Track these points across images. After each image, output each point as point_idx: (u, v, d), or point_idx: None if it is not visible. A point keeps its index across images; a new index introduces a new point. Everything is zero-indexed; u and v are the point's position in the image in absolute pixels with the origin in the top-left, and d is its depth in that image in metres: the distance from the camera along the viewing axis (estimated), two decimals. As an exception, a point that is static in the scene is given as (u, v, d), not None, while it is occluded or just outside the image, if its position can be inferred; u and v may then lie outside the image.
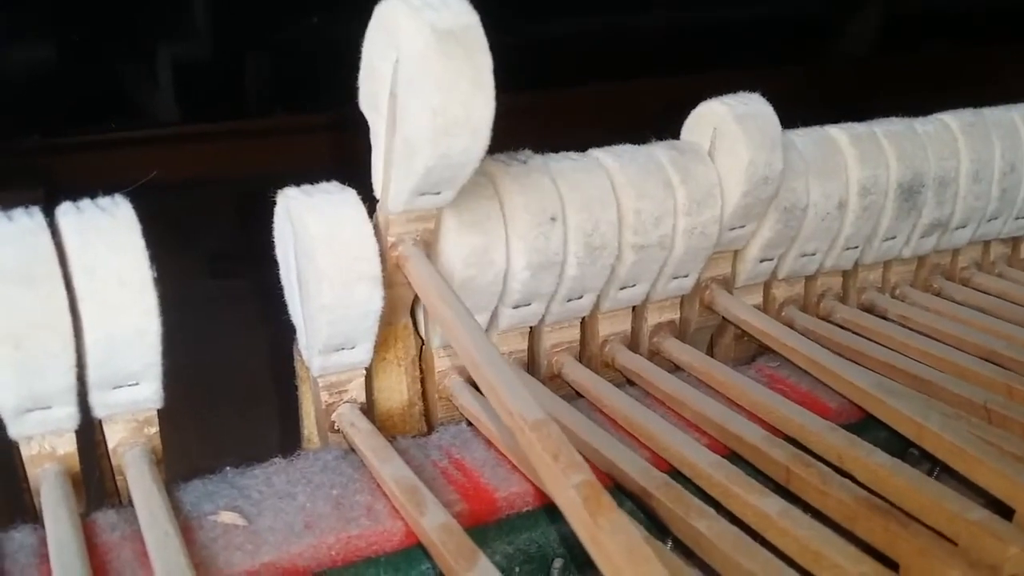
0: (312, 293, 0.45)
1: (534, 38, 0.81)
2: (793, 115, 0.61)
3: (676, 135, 0.59)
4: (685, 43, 0.89)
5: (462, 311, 0.44)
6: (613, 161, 0.53)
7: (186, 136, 0.74)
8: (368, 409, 0.50)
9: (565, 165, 0.52)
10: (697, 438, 0.49)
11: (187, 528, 0.42)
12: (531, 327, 0.56)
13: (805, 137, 0.61)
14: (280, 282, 0.49)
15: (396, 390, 0.53)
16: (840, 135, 0.61)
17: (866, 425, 0.52)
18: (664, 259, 0.55)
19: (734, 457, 0.48)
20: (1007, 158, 0.68)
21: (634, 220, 0.53)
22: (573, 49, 0.84)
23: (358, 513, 0.43)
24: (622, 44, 0.86)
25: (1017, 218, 0.72)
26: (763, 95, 0.57)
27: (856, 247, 0.64)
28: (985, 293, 0.69)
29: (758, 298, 0.64)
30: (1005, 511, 0.42)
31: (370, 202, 0.47)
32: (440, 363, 0.53)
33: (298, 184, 0.47)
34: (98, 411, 0.44)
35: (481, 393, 0.53)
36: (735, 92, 0.58)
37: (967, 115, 0.67)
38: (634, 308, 0.59)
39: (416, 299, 0.50)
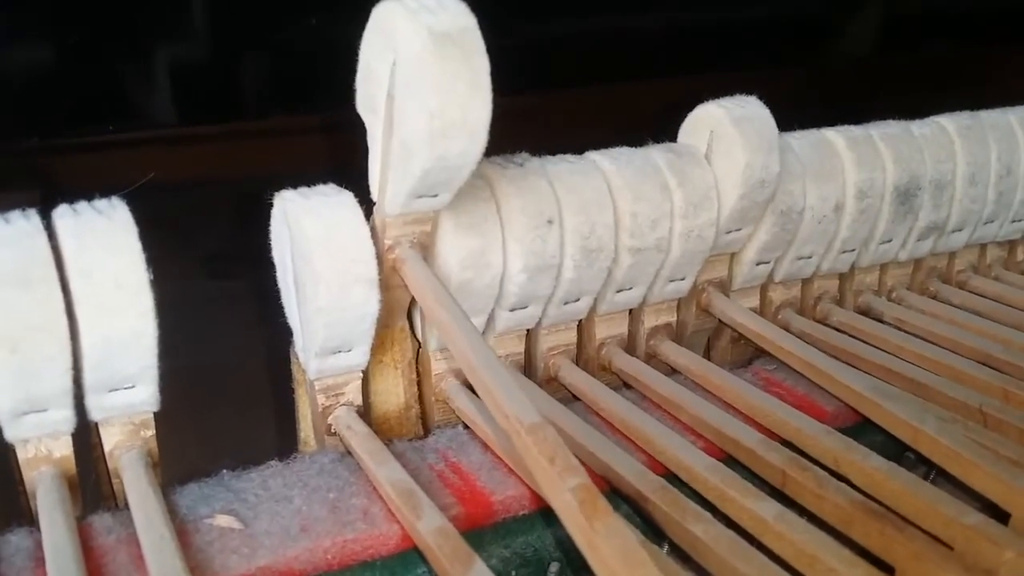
0: (308, 296, 0.45)
1: (531, 39, 0.81)
2: (793, 116, 0.61)
3: (675, 137, 0.59)
4: (684, 44, 0.89)
5: (459, 314, 0.44)
6: (610, 164, 0.53)
7: (184, 137, 0.73)
8: (365, 412, 0.50)
9: (562, 168, 0.52)
10: (693, 441, 0.49)
11: (183, 531, 0.42)
12: (528, 330, 0.56)
13: (802, 140, 0.61)
14: (278, 284, 0.50)
15: (393, 393, 0.53)
16: (837, 138, 0.62)
17: (862, 429, 0.52)
18: (661, 262, 0.55)
19: (730, 461, 0.48)
20: (1003, 161, 0.68)
21: (631, 223, 0.53)
22: (571, 50, 0.84)
23: (354, 516, 0.43)
24: (620, 45, 0.86)
25: (1013, 221, 0.72)
26: (762, 96, 0.57)
27: (852, 250, 0.64)
28: (981, 296, 0.69)
29: (755, 301, 0.64)
30: (1001, 515, 0.43)
31: (367, 204, 0.47)
32: (437, 366, 0.53)
33: (297, 185, 0.47)
34: (94, 414, 0.44)
35: (478, 396, 0.53)
36: (734, 94, 0.58)
37: (963, 118, 0.68)
38: (631, 311, 0.59)
39: (413, 302, 0.50)
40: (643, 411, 0.51)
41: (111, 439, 0.45)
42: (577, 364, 0.57)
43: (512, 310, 0.53)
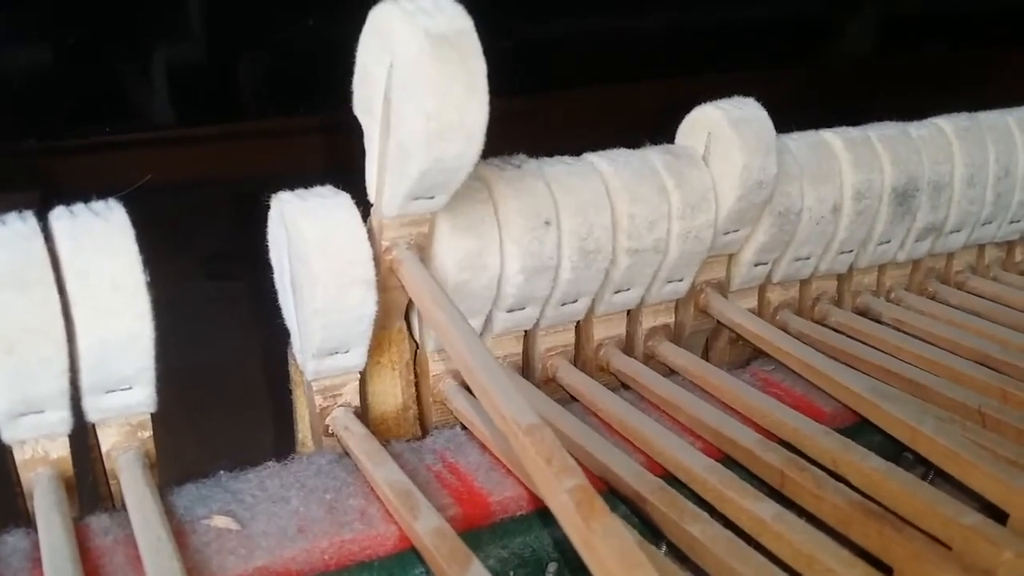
0: (306, 297, 0.45)
1: (530, 40, 0.81)
2: (792, 117, 0.61)
3: (673, 138, 0.59)
4: (682, 45, 0.89)
5: (456, 315, 0.44)
6: (607, 165, 0.53)
7: (183, 138, 0.73)
8: (362, 413, 0.50)
9: (559, 169, 0.52)
10: (691, 442, 0.49)
11: (180, 532, 0.42)
12: (525, 331, 0.55)
13: (799, 141, 0.61)
14: (276, 285, 0.49)
15: (390, 394, 0.53)
16: (834, 139, 0.62)
17: (860, 429, 0.52)
18: (658, 263, 0.55)
19: (728, 461, 0.48)
20: (1001, 162, 0.68)
21: (628, 224, 0.53)
22: (570, 51, 0.84)
23: (351, 517, 0.43)
24: (618, 46, 0.86)
25: (1012, 222, 0.72)
26: (761, 97, 0.57)
27: (851, 251, 0.64)
28: (980, 297, 0.69)
29: (753, 302, 0.64)
30: (999, 515, 0.42)
31: (365, 206, 0.47)
32: (435, 367, 0.53)
33: (295, 186, 0.47)
34: (91, 415, 0.44)
35: (475, 397, 0.53)
36: (732, 95, 0.58)
37: (961, 119, 0.68)
38: (629, 312, 0.59)
39: (411, 303, 0.50)
40: (641, 412, 0.51)
41: (108, 440, 0.45)
42: (575, 365, 0.57)
43: (510, 311, 0.53)
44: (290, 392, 0.53)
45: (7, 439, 0.42)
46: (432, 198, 0.45)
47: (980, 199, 0.68)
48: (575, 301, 0.54)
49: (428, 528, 0.40)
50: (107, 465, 0.45)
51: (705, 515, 0.42)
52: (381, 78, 0.43)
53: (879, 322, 0.64)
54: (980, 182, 0.67)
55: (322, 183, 0.47)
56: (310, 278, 0.44)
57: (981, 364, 0.57)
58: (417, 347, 0.53)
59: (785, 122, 0.60)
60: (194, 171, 0.75)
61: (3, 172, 0.66)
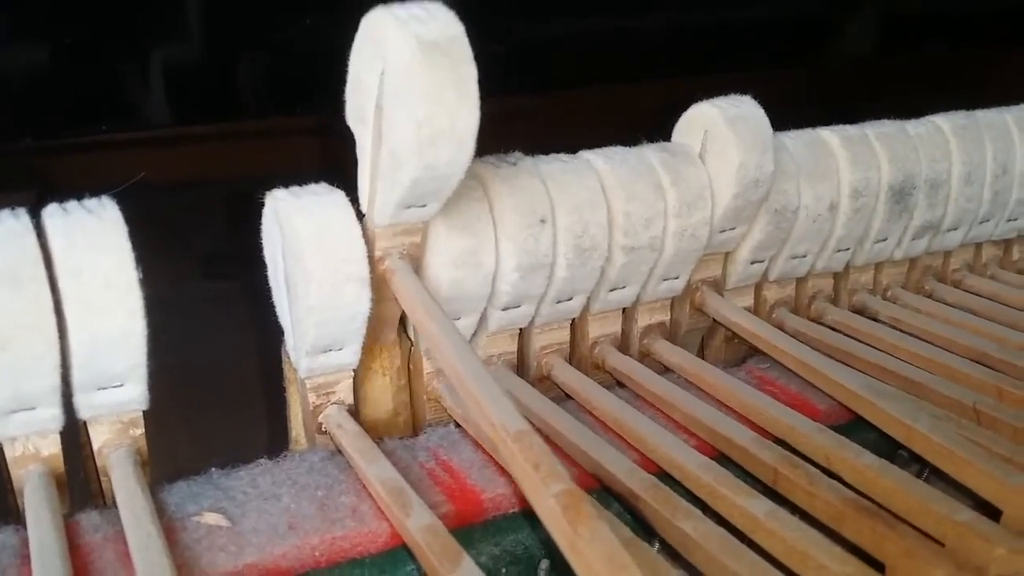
0: (300, 294, 0.45)
1: (529, 40, 0.81)
2: (791, 117, 0.61)
3: (670, 137, 0.59)
4: (681, 45, 0.89)
5: (448, 326, 0.44)
6: (603, 163, 0.53)
7: (181, 138, 0.73)
8: (356, 410, 0.50)
9: (555, 167, 0.52)
10: (686, 440, 0.49)
11: (171, 529, 0.42)
12: (521, 329, 0.55)
13: (796, 139, 0.60)
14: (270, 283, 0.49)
15: (382, 401, 0.52)
16: (831, 137, 0.61)
17: (855, 427, 0.52)
18: (654, 261, 0.55)
19: (723, 459, 0.48)
20: (999, 160, 0.68)
21: (624, 222, 0.53)
22: (569, 51, 0.84)
23: (343, 514, 0.43)
24: (617, 46, 0.86)
25: (1009, 220, 0.72)
26: (760, 97, 0.57)
27: (847, 249, 0.64)
28: (977, 295, 0.69)
29: (749, 300, 0.64)
30: (993, 512, 0.42)
31: (360, 205, 0.47)
32: (428, 365, 0.53)
33: (293, 186, 0.47)
34: (83, 412, 0.44)
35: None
36: (732, 94, 0.58)
37: (959, 117, 0.67)
38: (624, 310, 0.59)
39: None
40: (636, 410, 0.51)
41: (100, 437, 0.45)
42: (570, 363, 0.57)
43: (505, 309, 0.52)
44: (284, 390, 0.53)
45: (-2, 436, 0.42)
46: (424, 206, 0.45)
47: (977, 197, 0.68)
48: (570, 299, 0.54)
49: (420, 525, 0.40)
50: (98, 462, 0.45)
51: (698, 512, 0.42)
52: (373, 86, 0.43)
53: (876, 320, 0.64)
54: (978, 180, 0.67)
55: (318, 183, 0.47)
56: (304, 275, 0.44)
57: (977, 362, 0.57)
58: (412, 344, 0.53)
59: (784, 122, 0.60)
60: (191, 171, 0.75)
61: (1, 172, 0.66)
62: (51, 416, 0.42)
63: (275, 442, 0.54)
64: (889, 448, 0.49)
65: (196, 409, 0.69)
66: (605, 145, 0.56)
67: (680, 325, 0.62)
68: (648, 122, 0.59)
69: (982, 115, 0.69)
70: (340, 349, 0.47)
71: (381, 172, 0.44)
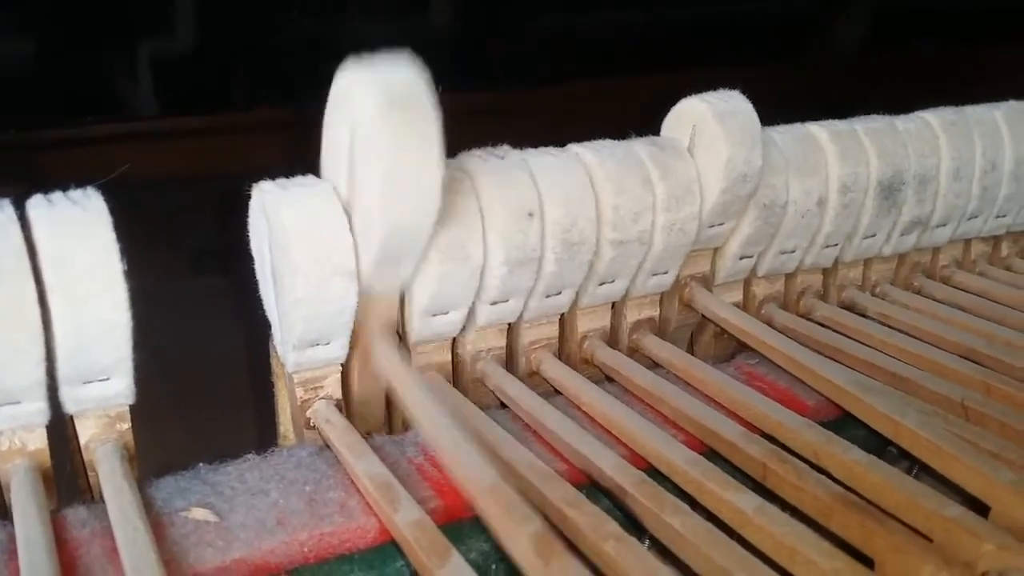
0: (286, 287, 0.44)
1: (519, 35, 0.81)
2: (780, 113, 0.61)
3: (659, 132, 0.58)
4: (671, 40, 0.89)
5: (423, 393, 0.44)
6: (592, 156, 0.53)
7: (172, 131, 0.73)
8: (344, 405, 0.50)
9: (543, 160, 0.52)
10: (674, 435, 0.49)
11: (158, 524, 0.41)
12: (509, 324, 0.55)
13: (785, 134, 0.60)
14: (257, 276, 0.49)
15: (373, 405, 0.52)
16: (820, 132, 0.61)
17: (845, 423, 0.52)
18: (643, 255, 0.55)
19: (711, 454, 0.48)
20: (988, 156, 0.68)
21: (612, 216, 0.53)
22: (559, 46, 0.84)
23: (331, 510, 0.43)
24: (607, 41, 0.86)
25: (998, 217, 0.72)
26: (751, 93, 0.57)
27: (836, 244, 0.64)
28: (966, 291, 0.69)
29: (738, 295, 0.64)
30: (981, 508, 0.42)
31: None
32: (418, 359, 0.53)
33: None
34: (69, 406, 0.43)
35: (458, 390, 0.53)
36: (721, 89, 0.57)
37: (948, 113, 0.67)
38: (613, 305, 0.59)
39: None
40: (624, 405, 0.51)
41: (86, 432, 0.44)
42: (559, 358, 0.57)
43: (493, 304, 0.52)
44: (272, 385, 0.52)
45: (-16, 430, 0.42)
46: (398, 265, 0.46)
47: (966, 193, 0.68)
48: (559, 293, 0.54)
49: (408, 520, 0.40)
50: (85, 457, 0.45)
51: (686, 507, 0.42)
52: (345, 144, 0.43)
53: (865, 316, 0.64)
54: (966, 176, 0.67)
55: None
56: (291, 268, 0.44)
57: (966, 358, 0.57)
58: (400, 339, 0.53)
59: (774, 118, 0.60)
60: (182, 166, 0.75)
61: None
62: (37, 410, 0.42)
63: (263, 437, 0.53)
64: (878, 444, 0.49)
65: (184, 404, 0.69)
66: (594, 139, 0.55)
67: (669, 321, 0.62)
68: (637, 117, 0.58)
69: (971, 111, 0.69)
70: (328, 343, 0.47)
71: (357, 231, 0.45)
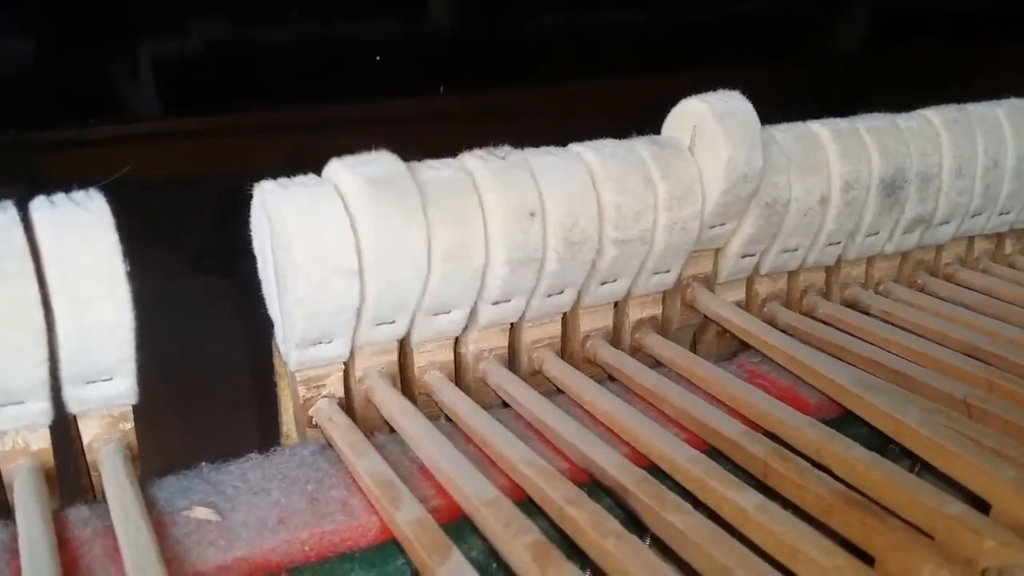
0: (288, 286, 0.44)
1: (519, 34, 0.81)
2: (782, 113, 0.61)
3: (659, 132, 0.58)
4: (672, 40, 0.89)
5: (424, 425, 0.47)
6: (593, 156, 0.53)
7: (173, 133, 0.73)
8: (347, 404, 0.50)
9: (545, 160, 0.52)
10: (676, 433, 0.49)
11: (160, 523, 0.41)
12: (512, 323, 0.55)
13: (787, 132, 0.60)
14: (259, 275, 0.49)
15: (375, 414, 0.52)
16: (822, 130, 0.61)
17: (847, 421, 0.52)
18: (645, 254, 0.55)
19: (713, 452, 0.48)
20: (990, 154, 0.68)
21: (614, 215, 0.53)
22: (558, 46, 0.84)
23: (333, 508, 0.43)
24: (607, 41, 0.86)
25: (1001, 214, 0.72)
26: (752, 93, 0.57)
27: (839, 243, 0.64)
28: (969, 289, 0.69)
29: (741, 294, 0.64)
30: (983, 506, 0.42)
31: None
32: (420, 359, 0.53)
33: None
34: (72, 406, 0.43)
35: (460, 388, 0.53)
36: (721, 89, 0.57)
37: (950, 111, 0.67)
38: (616, 304, 0.59)
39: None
40: (627, 404, 0.51)
41: (89, 432, 0.45)
42: (562, 357, 0.57)
43: (495, 303, 0.52)
44: (275, 384, 0.53)
45: (-12, 430, 0.42)
46: (393, 323, 0.48)
47: (969, 191, 0.67)
48: (561, 292, 0.54)
49: (409, 519, 0.40)
50: (88, 457, 0.45)
51: (687, 506, 0.42)
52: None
53: (868, 314, 0.64)
54: (969, 173, 0.67)
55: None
56: (292, 267, 0.44)
57: (969, 355, 0.57)
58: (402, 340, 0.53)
59: (775, 117, 0.60)
60: (183, 167, 0.75)
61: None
62: (40, 410, 0.42)
63: (266, 436, 0.54)
64: (880, 442, 0.49)
65: (187, 404, 0.69)
66: (591, 139, 0.55)
67: (671, 321, 0.62)
68: (637, 117, 0.59)
69: (973, 109, 0.69)
70: (330, 342, 0.47)
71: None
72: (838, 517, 0.41)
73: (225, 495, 0.44)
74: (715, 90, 0.57)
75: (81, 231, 0.40)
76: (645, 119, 0.59)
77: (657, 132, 0.58)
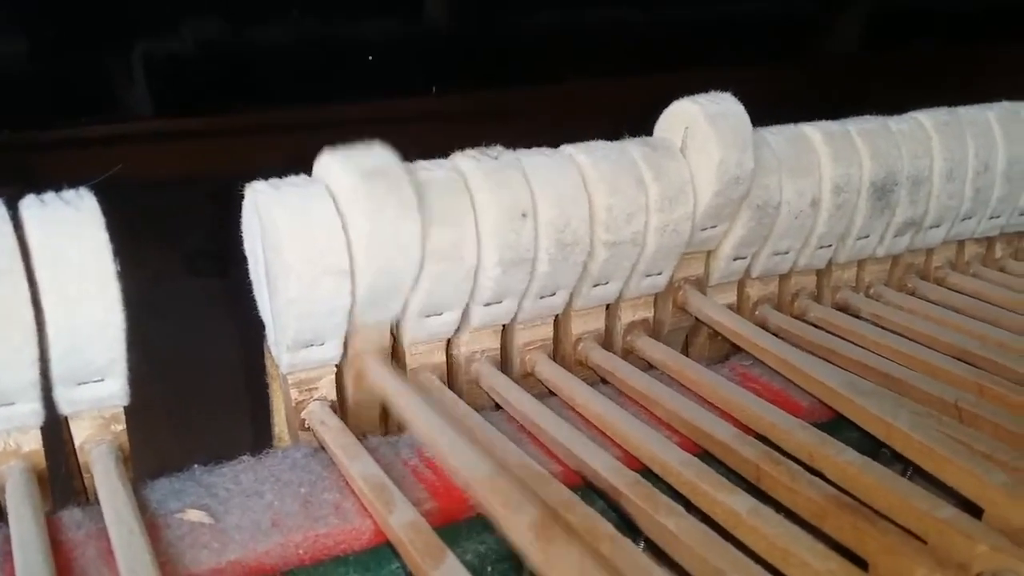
0: (279, 287, 0.44)
1: (514, 34, 0.81)
2: (777, 114, 0.61)
3: (652, 133, 0.58)
4: (668, 41, 0.89)
5: (415, 400, 0.45)
6: (585, 157, 0.53)
7: (167, 133, 0.73)
8: (339, 406, 0.50)
9: (537, 161, 0.52)
10: (668, 436, 0.49)
11: (153, 526, 0.41)
12: (504, 325, 0.55)
13: (778, 135, 0.60)
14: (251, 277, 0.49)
15: (365, 412, 0.52)
16: (813, 133, 0.61)
17: (839, 425, 0.52)
18: (636, 256, 0.55)
19: (705, 455, 0.48)
20: (981, 157, 0.68)
21: (606, 216, 0.53)
22: (553, 46, 0.84)
23: (326, 511, 0.43)
24: (602, 41, 0.86)
25: (991, 218, 0.72)
26: (748, 94, 0.57)
27: (830, 246, 0.64)
28: (959, 293, 0.69)
29: (732, 297, 0.64)
30: (975, 510, 0.42)
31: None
32: (412, 360, 0.53)
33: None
34: (63, 408, 0.43)
35: (453, 391, 0.53)
36: (712, 91, 0.57)
37: (941, 114, 0.68)
38: (608, 306, 0.59)
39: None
40: (619, 406, 0.51)
41: (81, 433, 0.44)
42: (554, 360, 0.57)
43: (487, 305, 0.52)
44: (267, 386, 0.52)
45: (-22, 432, 0.42)
46: (387, 306, 0.48)
47: (959, 194, 0.68)
48: (553, 294, 0.54)
49: (403, 522, 0.40)
50: (80, 459, 0.45)
51: (680, 509, 0.42)
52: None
53: (858, 317, 0.64)
54: (959, 177, 0.67)
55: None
56: (283, 268, 0.44)
57: (959, 359, 0.57)
58: (394, 340, 0.53)
59: (774, 118, 0.60)
60: (177, 167, 0.74)
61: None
62: (31, 411, 0.42)
63: (258, 438, 0.53)
64: (872, 446, 0.49)
65: (179, 406, 0.69)
66: (587, 140, 0.55)
67: (663, 324, 0.62)
68: (636, 117, 0.59)
69: (964, 112, 0.69)
70: (322, 344, 0.47)
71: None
72: (831, 521, 0.42)
73: (218, 497, 0.44)
74: (715, 90, 0.57)
75: (71, 230, 0.40)
76: (644, 119, 0.59)
77: (650, 132, 0.58)
